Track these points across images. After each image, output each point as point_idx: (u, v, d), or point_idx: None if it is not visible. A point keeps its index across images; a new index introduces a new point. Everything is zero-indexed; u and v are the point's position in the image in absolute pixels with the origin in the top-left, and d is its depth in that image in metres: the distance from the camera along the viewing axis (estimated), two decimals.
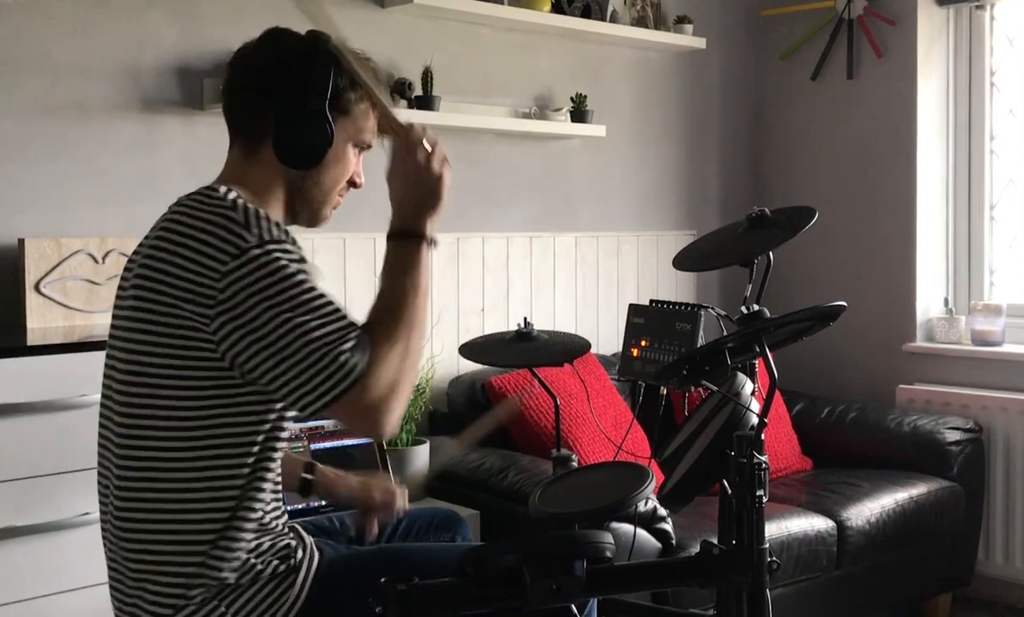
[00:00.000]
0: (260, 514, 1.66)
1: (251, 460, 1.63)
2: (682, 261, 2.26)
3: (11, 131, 2.80)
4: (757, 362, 2.00)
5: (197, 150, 3.06)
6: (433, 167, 1.73)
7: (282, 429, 1.67)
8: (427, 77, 3.42)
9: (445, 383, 3.55)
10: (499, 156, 3.78)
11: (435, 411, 3.51)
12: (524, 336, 2.59)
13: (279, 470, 1.70)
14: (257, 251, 1.54)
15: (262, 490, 1.65)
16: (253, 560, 1.65)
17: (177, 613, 1.62)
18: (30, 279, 2.70)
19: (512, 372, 3.36)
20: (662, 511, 2.88)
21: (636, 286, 4.19)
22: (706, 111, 4.45)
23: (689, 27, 4.16)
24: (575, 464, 2.41)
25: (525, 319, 2.62)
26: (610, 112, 4.03)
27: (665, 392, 2.27)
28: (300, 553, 1.71)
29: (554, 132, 3.83)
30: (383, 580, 1.62)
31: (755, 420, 1.78)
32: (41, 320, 2.71)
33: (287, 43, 1.73)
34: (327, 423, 2.96)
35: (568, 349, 2.57)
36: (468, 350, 2.59)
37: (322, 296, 1.57)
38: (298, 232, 1.69)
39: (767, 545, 1.77)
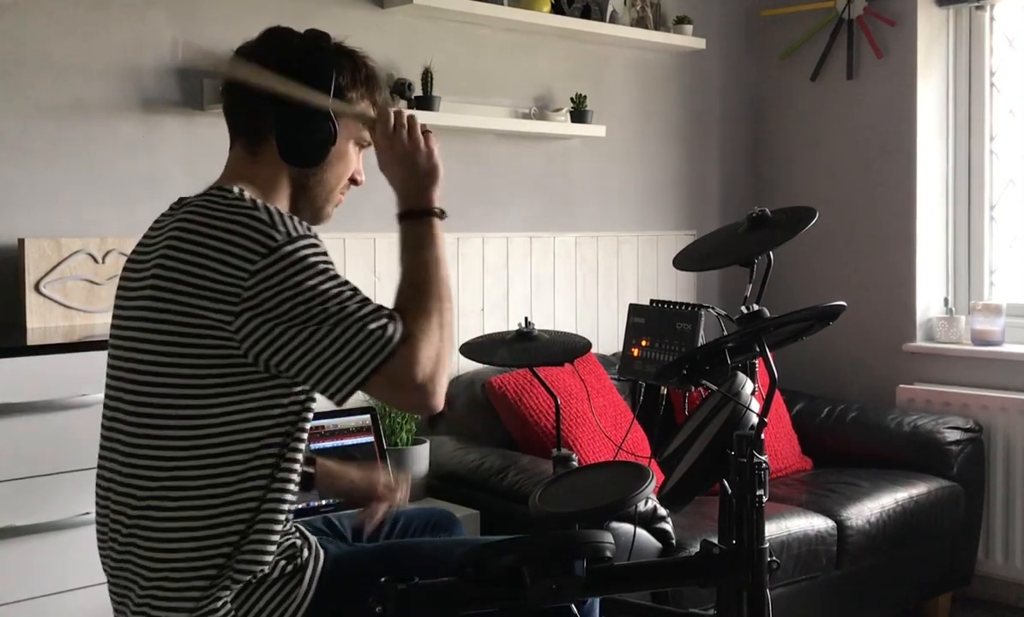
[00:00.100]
0: (284, 514, 1.66)
1: (271, 461, 1.63)
2: (682, 261, 2.26)
3: (11, 131, 2.80)
4: (757, 362, 2.00)
5: (197, 150, 3.06)
6: (419, 143, 1.76)
7: (303, 430, 1.68)
8: (427, 77, 3.42)
9: None
10: (499, 156, 3.78)
11: None
12: (524, 336, 2.59)
13: (299, 470, 1.70)
14: (289, 247, 1.56)
15: (286, 491, 1.66)
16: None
17: (188, 615, 1.62)
18: (30, 279, 2.70)
19: (512, 372, 3.36)
20: (662, 511, 2.88)
21: (636, 286, 4.19)
22: (706, 111, 4.45)
23: (689, 27, 4.16)
24: (575, 464, 2.41)
25: (526, 319, 2.62)
26: (610, 112, 4.03)
27: (665, 392, 2.27)
28: (306, 552, 1.71)
29: (554, 132, 3.83)
30: (383, 580, 1.62)
31: (755, 420, 1.78)
32: (41, 320, 2.71)
33: (288, 42, 1.74)
34: (327, 422, 2.96)
35: (568, 349, 2.57)
36: (468, 350, 2.59)
37: (350, 284, 1.61)
38: None
39: (767, 545, 1.77)
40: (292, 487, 1.68)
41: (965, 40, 4.20)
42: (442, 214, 1.75)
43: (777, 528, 3.11)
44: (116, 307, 1.74)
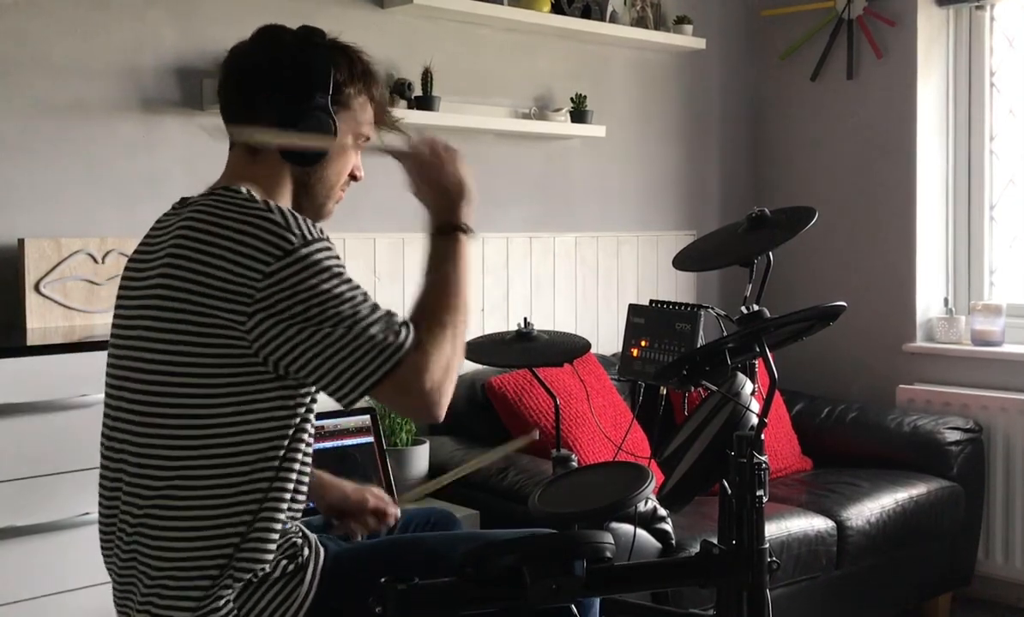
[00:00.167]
0: (285, 514, 1.66)
1: (275, 462, 1.63)
2: (682, 261, 2.27)
3: (11, 131, 2.80)
4: (757, 362, 2.00)
5: (197, 150, 3.05)
6: (447, 167, 1.75)
7: (307, 431, 1.68)
8: (427, 77, 3.42)
9: None
10: (499, 156, 3.78)
11: None
12: (524, 336, 2.59)
13: (307, 471, 1.70)
14: (304, 250, 1.57)
15: (287, 491, 1.66)
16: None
17: (190, 615, 1.62)
18: (30, 279, 2.70)
19: (512, 372, 3.36)
20: (662, 511, 2.88)
21: (636, 286, 4.19)
22: (706, 111, 4.45)
23: (689, 27, 4.16)
24: (575, 464, 2.41)
25: (525, 319, 2.62)
26: (610, 112, 4.03)
27: (665, 392, 2.27)
28: (307, 551, 1.71)
29: (554, 132, 3.83)
30: (383, 580, 1.62)
31: (755, 420, 1.79)
32: (41, 320, 2.71)
33: (282, 40, 1.74)
34: (327, 422, 2.96)
35: (568, 349, 2.57)
36: (468, 350, 2.58)
37: (362, 289, 1.61)
38: None
39: (767, 545, 1.77)
40: (295, 487, 1.68)
41: (965, 40, 4.20)
42: (468, 230, 1.75)
43: (777, 528, 3.11)
44: (119, 306, 1.74)
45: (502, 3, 3.59)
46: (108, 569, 1.74)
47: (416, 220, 3.41)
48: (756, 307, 1.98)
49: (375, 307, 1.61)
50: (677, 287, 4.31)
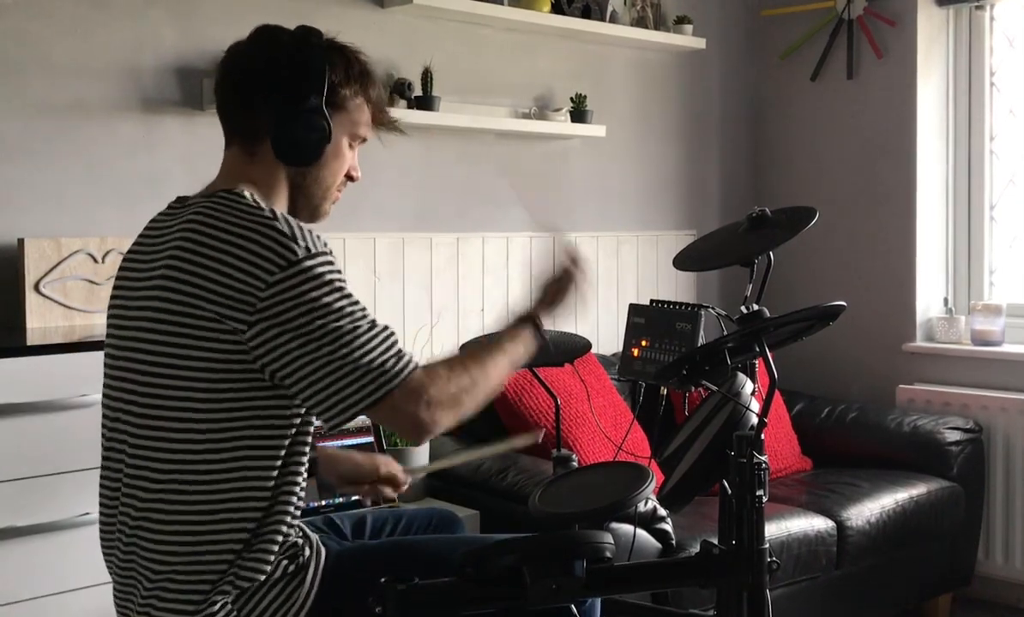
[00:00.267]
0: (288, 523, 1.66)
1: (279, 464, 1.63)
2: (682, 261, 2.26)
3: (11, 131, 2.80)
4: (757, 362, 2.00)
5: (197, 150, 3.05)
6: (576, 287, 1.91)
7: (306, 438, 1.68)
8: (427, 77, 3.42)
9: None
10: (499, 156, 3.78)
11: None
12: None
13: (304, 476, 1.70)
14: (308, 263, 1.56)
15: (290, 500, 1.66)
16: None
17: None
18: (30, 279, 2.70)
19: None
20: (662, 511, 2.88)
21: (636, 286, 4.19)
22: (706, 111, 4.45)
23: (689, 27, 4.16)
24: (575, 464, 2.41)
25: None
26: (610, 112, 4.03)
27: (665, 392, 2.27)
28: (307, 551, 1.71)
29: (554, 132, 3.83)
30: (383, 580, 1.62)
31: (755, 420, 1.78)
32: (41, 320, 2.71)
33: (279, 40, 1.73)
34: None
35: (568, 349, 2.57)
36: (468, 350, 2.59)
37: (361, 306, 1.61)
38: None
39: (767, 545, 1.77)
40: (296, 496, 1.68)
41: (965, 40, 4.20)
42: (539, 329, 1.83)
43: (777, 528, 3.11)
44: (116, 306, 1.73)
45: (502, 3, 3.59)
46: (108, 569, 1.74)
47: (415, 220, 3.41)
48: (756, 307, 1.98)
49: (374, 325, 1.60)
50: (677, 287, 4.31)
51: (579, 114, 3.83)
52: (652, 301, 2.21)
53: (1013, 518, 3.83)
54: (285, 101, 1.69)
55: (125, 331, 1.68)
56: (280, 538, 1.65)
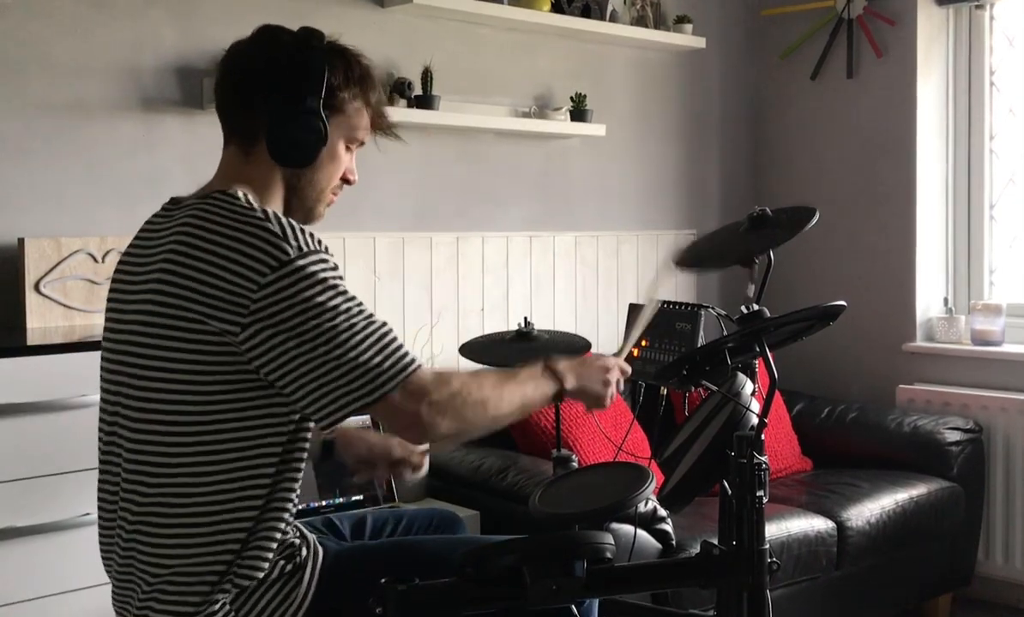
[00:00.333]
0: (285, 522, 1.66)
1: (276, 464, 1.63)
2: (682, 261, 2.26)
3: (11, 131, 2.80)
4: (757, 362, 2.00)
5: (197, 150, 3.05)
6: (605, 387, 1.86)
7: (304, 439, 1.68)
8: (427, 77, 3.42)
9: None
10: (499, 156, 3.77)
11: None
12: (524, 336, 2.59)
13: (301, 476, 1.70)
14: (300, 262, 1.55)
15: (288, 499, 1.65)
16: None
17: None
18: (30, 279, 2.70)
19: None
20: (662, 512, 2.87)
21: (636, 286, 4.19)
22: (706, 111, 4.44)
23: (689, 27, 4.16)
24: (575, 464, 2.41)
25: (525, 319, 2.62)
26: (610, 112, 4.03)
27: (665, 392, 2.27)
28: (305, 551, 1.71)
29: (554, 132, 3.83)
30: (383, 581, 1.62)
31: (755, 420, 1.78)
32: (41, 320, 2.71)
33: (280, 40, 1.73)
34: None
35: (568, 349, 2.57)
36: (468, 350, 2.60)
37: (358, 302, 1.59)
38: None
39: (767, 546, 1.77)
40: (293, 495, 1.67)
41: (965, 39, 4.20)
42: (561, 387, 1.79)
43: (777, 529, 3.10)
44: (112, 308, 1.73)
45: (502, 3, 3.59)
46: (107, 570, 1.74)
47: (415, 219, 3.41)
48: (756, 307, 1.98)
49: (370, 323, 1.58)
50: (677, 287, 4.31)
51: (579, 114, 3.83)
52: None
53: (1013, 518, 3.83)
54: (283, 102, 1.68)
55: (120, 334, 1.68)
56: (277, 536, 1.65)
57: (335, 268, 1.60)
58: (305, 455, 1.69)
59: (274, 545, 1.64)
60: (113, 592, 1.72)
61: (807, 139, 4.45)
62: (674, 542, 2.89)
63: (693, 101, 4.39)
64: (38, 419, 2.34)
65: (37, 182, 2.83)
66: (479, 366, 3.17)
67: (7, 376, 2.31)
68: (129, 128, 2.98)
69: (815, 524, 3.25)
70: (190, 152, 3.06)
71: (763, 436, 1.76)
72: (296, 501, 1.69)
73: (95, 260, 2.80)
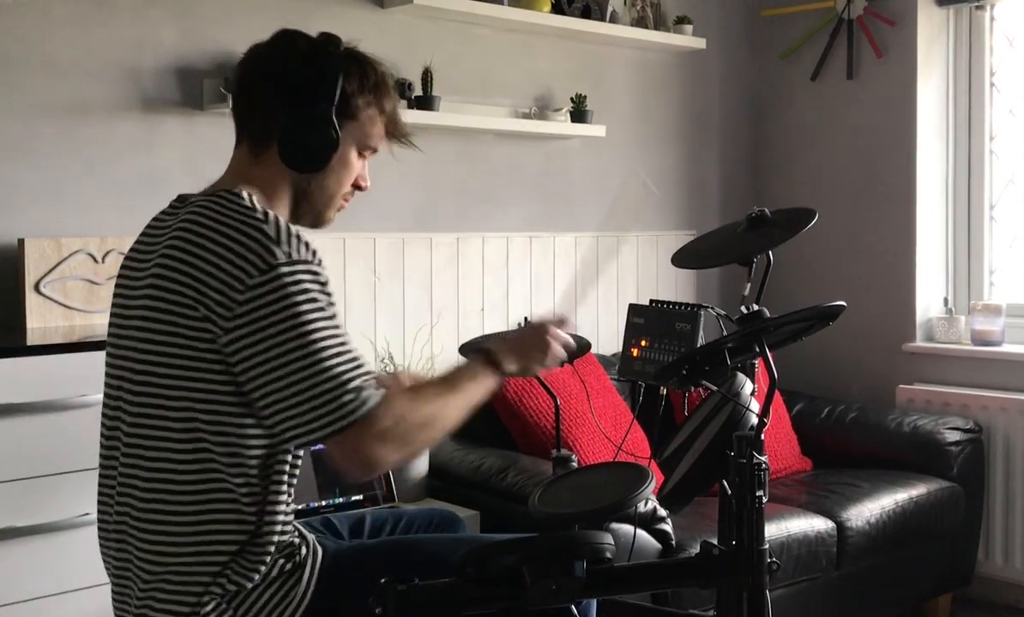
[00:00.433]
0: (283, 517, 1.66)
1: (271, 463, 1.63)
2: (681, 259, 2.26)
3: (11, 131, 2.80)
4: (757, 362, 2.00)
5: (197, 150, 3.06)
6: (545, 354, 1.85)
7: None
8: (427, 77, 3.42)
9: None
10: (499, 156, 3.78)
11: None
12: None
13: (296, 474, 1.70)
14: (285, 269, 1.54)
15: (280, 501, 1.65)
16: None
17: None
18: (30, 279, 2.70)
19: None
20: (662, 511, 2.87)
21: (636, 286, 4.19)
22: (706, 111, 4.45)
23: (689, 27, 4.16)
24: (575, 464, 2.41)
25: (526, 319, 2.62)
26: (610, 112, 4.03)
27: (665, 392, 2.27)
28: (304, 550, 1.71)
29: (554, 132, 3.83)
30: (383, 581, 1.62)
31: (755, 420, 1.78)
32: (41, 320, 2.71)
33: (297, 44, 1.73)
34: None
35: (567, 349, 2.56)
36: (468, 350, 2.59)
37: (335, 322, 1.57)
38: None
39: (767, 546, 1.77)
40: (287, 497, 1.67)
41: (965, 40, 4.20)
42: (504, 373, 1.77)
43: (777, 529, 3.10)
44: (116, 306, 1.73)
45: (502, 3, 3.59)
46: (106, 569, 1.74)
47: (415, 220, 3.41)
48: (756, 307, 1.98)
49: (342, 348, 1.55)
50: (677, 287, 4.31)
51: (579, 114, 3.83)
52: (652, 301, 2.21)
53: (1013, 518, 3.83)
54: (296, 106, 1.68)
55: (123, 330, 1.68)
56: (275, 537, 1.64)
57: (323, 283, 1.58)
58: (299, 457, 1.69)
59: (271, 547, 1.64)
60: (112, 591, 1.72)
61: (807, 139, 4.45)
62: (674, 542, 2.89)
63: (693, 102, 4.39)
64: (38, 419, 2.34)
65: (37, 182, 2.83)
66: None
67: (7, 376, 2.31)
68: (129, 128, 2.98)
69: (815, 524, 3.25)
70: (190, 152, 3.06)
71: (763, 436, 1.76)
72: (291, 501, 1.69)
73: (95, 260, 2.80)
